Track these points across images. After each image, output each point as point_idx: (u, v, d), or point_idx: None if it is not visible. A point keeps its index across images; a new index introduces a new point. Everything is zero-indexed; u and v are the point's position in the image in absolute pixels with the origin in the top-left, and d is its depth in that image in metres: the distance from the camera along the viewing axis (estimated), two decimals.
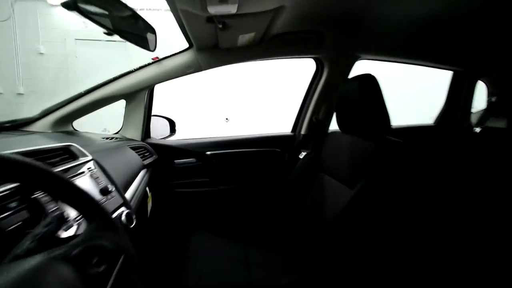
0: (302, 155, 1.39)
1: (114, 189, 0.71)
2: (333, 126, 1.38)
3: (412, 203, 0.90)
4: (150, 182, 1.17)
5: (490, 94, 1.65)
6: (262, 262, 1.04)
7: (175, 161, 1.41)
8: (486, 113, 1.65)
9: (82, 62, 4.27)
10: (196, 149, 1.42)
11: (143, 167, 1.11)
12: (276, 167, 1.50)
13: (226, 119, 4.53)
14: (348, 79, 1.04)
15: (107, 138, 1.17)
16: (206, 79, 4.23)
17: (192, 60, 1.18)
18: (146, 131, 1.36)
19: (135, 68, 1.19)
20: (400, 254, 1.07)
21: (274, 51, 1.23)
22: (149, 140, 1.38)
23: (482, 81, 1.67)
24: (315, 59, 1.37)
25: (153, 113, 1.39)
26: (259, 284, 0.92)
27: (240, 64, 1.26)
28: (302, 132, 1.48)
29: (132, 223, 0.68)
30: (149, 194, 1.20)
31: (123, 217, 0.66)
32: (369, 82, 0.91)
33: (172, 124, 1.51)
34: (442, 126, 1.67)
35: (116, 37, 0.89)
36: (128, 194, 0.86)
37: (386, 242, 0.90)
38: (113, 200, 0.69)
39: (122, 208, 0.71)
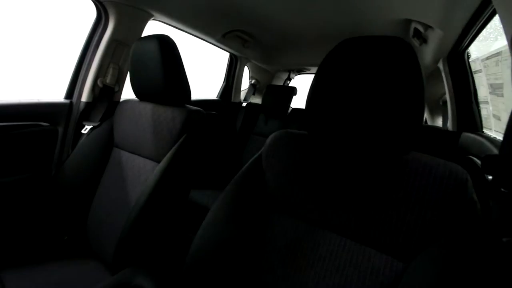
0: (87, 129, 1.08)
1: None
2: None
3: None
4: None
5: (250, 77, 2.19)
6: None
7: None
8: (249, 92, 2.20)
9: None
10: None
11: None
12: (44, 150, 1.06)
13: None
14: (144, 37, 0.92)
15: None
16: None
17: None
18: None
19: None
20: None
21: None
22: None
23: (247, 67, 2.16)
24: (96, 2, 1.06)
25: None
26: None
27: None
28: (84, 99, 1.14)
29: None
30: None
31: None
32: (170, 44, 0.85)
33: None
34: (224, 101, 1.99)
35: None
36: None
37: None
38: None
39: None
